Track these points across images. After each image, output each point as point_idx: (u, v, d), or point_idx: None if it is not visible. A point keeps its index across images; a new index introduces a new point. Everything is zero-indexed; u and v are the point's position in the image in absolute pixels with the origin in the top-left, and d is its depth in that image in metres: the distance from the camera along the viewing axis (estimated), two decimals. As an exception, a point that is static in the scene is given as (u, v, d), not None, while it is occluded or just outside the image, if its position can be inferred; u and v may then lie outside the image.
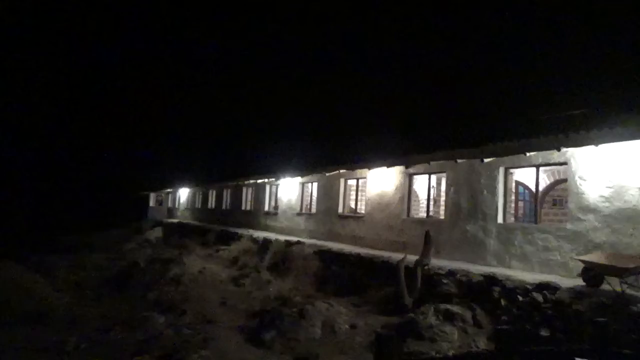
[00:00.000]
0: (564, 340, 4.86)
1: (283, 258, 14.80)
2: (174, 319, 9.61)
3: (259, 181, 22.59)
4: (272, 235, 18.04)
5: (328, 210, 16.96)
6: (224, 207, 28.22)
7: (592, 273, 7.33)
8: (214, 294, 12.32)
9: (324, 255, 13.25)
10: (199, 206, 33.10)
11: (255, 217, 23.16)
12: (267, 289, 12.85)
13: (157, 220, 35.60)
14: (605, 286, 7.19)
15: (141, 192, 45.90)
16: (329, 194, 17.10)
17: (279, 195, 21.15)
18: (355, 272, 11.72)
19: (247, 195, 25.19)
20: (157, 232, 29.37)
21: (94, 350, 7.85)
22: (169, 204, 42.39)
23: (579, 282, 7.58)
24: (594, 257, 7.45)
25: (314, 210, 18.28)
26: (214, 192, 30.18)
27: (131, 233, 31.23)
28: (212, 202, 30.62)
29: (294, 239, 16.21)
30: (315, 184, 18.40)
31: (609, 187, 8.41)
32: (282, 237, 16.89)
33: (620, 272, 6.88)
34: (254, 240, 18.03)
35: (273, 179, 21.19)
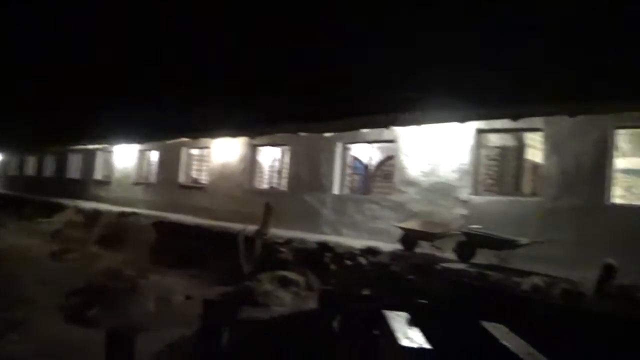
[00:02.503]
0: (381, 298, 5.45)
1: (115, 230, 13.71)
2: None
3: (90, 147, 20.39)
4: (103, 206, 16.56)
5: (169, 179, 16.16)
6: (45, 174, 24.91)
7: (408, 238, 8.30)
8: (31, 271, 10.89)
9: (161, 226, 12.64)
10: (15, 173, 28.69)
11: (84, 186, 20.94)
12: (95, 263, 11.80)
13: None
14: (419, 249, 8.23)
15: None
16: (170, 163, 16.27)
17: (113, 162, 19.42)
18: (195, 243, 11.44)
19: (74, 162, 22.57)
20: (-44, 203, 24.72)
21: None
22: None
23: (399, 246, 8.51)
24: (410, 224, 8.44)
25: (153, 179, 17.25)
26: (33, 158, 26.42)
27: None
28: (30, 169, 26.78)
29: (129, 209, 15.10)
30: (155, 152, 17.32)
31: (427, 164, 9.53)
32: (116, 208, 15.62)
33: (430, 237, 7.92)
34: (81, 211, 16.34)
35: (106, 145, 19.32)
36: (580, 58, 3.24)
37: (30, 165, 26.82)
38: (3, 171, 30.16)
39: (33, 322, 7.38)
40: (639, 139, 10.49)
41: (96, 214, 15.38)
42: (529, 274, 6.07)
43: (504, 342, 2.89)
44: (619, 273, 4.77)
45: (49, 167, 24.72)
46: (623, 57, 3.18)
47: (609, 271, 4.54)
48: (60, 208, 17.58)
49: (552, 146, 8.10)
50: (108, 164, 20.12)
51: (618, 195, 10.02)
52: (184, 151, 15.91)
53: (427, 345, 2.61)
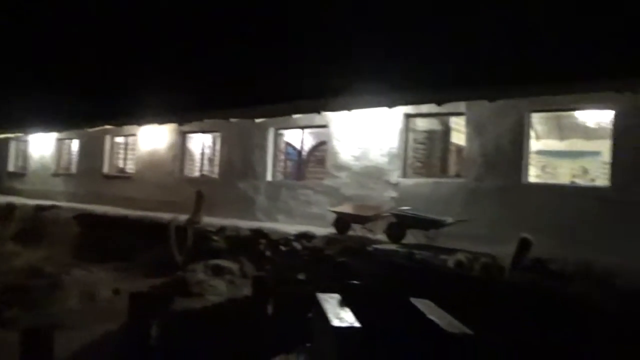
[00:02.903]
0: (314, 281, 5.53)
1: (33, 225, 12.81)
2: None
3: (1, 136, 18.76)
4: (18, 200, 15.36)
5: (92, 170, 15.28)
6: (-50, 167, 22.66)
7: (341, 222, 8.43)
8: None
9: (85, 219, 11.96)
10: None
11: (-4, 179, 19.31)
12: (12, 261, 10.96)
13: None
14: (352, 232, 8.39)
15: None
16: (93, 152, 15.37)
17: (29, 153, 18.02)
18: (122, 235, 10.94)
19: (-17, 153, 20.69)
20: None
21: None
22: None
23: (333, 230, 8.63)
24: (343, 208, 8.58)
25: (74, 170, 16.24)
26: None
27: None
28: None
29: (48, 202, 14.12)
30: (76, 141, 16.28)
31: (359, 148, 9.70)
32: (33, 202, 14.54)
33: (362, 220, 8.09)
34: (-7, 205, 15.07)
35: (20, 134, 17.85)
36: (494, 45, 3.40)
37: None
38: None
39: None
40: (552, 122, 11.32)
41: (10, 209, 14.24)
42: (454, 251, 6.39)
43: (431, 317, 3.01)
44: (534, 247, 5.15)
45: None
46: (533, 44, 3.36)
47: (524, 245, 4.88)
48: (-32, 203, 16.10)
49: (474, 129, 8.51)
50: (23, 155, 18.64)
51: (534, 174, 10.75)
52: (108, 139, 15.09)
53: (356, 324, 2.66)
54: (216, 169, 12.92)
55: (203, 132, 12.82)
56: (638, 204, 6.70)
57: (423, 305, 3.29)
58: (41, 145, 17.32)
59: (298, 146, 12.44)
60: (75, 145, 16.47)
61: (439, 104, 8.10)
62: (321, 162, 14.13)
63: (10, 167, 18.93)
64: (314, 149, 14.77)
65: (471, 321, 2.92)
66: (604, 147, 9.82)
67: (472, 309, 3.43)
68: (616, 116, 7.21)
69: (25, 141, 18.10)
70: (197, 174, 13.74)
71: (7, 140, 18.68)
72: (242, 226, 9.32)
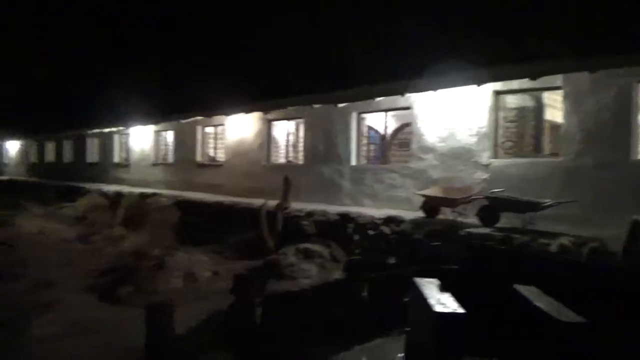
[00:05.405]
0: (406, 265, 5.49)
1: (138, 211, 13.96)
2: (7, 287, 8.52)
3: (106, 130, 20.55)
4: (124, 188, 16.81)
5: (185, 159, 16.31)
6: (65, 160, 25.27)
7: (430, 205, 8.27)
8: (58, 255, 11.19)
9: (182, 205, 12.84)
10: (36, 160, 29.12)
11: (104, 169, 21.25)
12: (121, 244, 12.08)
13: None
14: (442, 216, 8.21)
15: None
16: (185, 143, 16.38)
17: (130, 145, 19.60)
18: (216, 220, 11.61)
19: (92, 147, 22.82)
20: (-19, 192, 25.25)
21: None
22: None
23: (420, 214, 8.50)
24: (431, 191, 8.40)
25: (170, 159, 17.43)
26: (52, 144, 26.76)
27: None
28: (50, 155, 27.16)
29: (149, 190, 15.33)
30: (170, 132, 17.43)
31: (445, 129, 9.41)
32: (136, 190, 15.86)
33: (452, 203, 7.88)
34: (104, 194, 16.63)
35: (122, 128, 19.44)
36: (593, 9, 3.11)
37: (50, 152, 27.21)
38: (25, 158, 30.70)
39: (65, 302, 7.63)
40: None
41: (118, 196, 15.65)
42: (555, 235, 6.02)
43: (537, 304, 2.89)
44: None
45: (68, 153, 25.06)
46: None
47: (637, 228, 4.48)
48: (82, 192, 17.91)
49: (572, 104, 7.89)
50: (125, 147, 20.33)
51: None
52: (199, 130, 15.97)
53: (460, 310, 2.62)
54: (300, 155, 13.21)
55: (287, 119, 13.12)
56: None
57: (528, 292, 3.16)
58: (140, 138, 18.75)
59: (381, 129, 12.33)
60: (170, 136, 17.62)
61: (533, 78, 7.61)
62: (404, 144, 13.88)
63: (115, 159, 20.72)
64: (397, 131, 14.55)
65: (580, 309, 2.76)
66: None
67: (582, 296, 3.23)
68: None
69: (127, 134, 19.69)
70: (282, 160, 14.14)
71: (111, 134, 20.47)
72: (330, 211, 9.48)
